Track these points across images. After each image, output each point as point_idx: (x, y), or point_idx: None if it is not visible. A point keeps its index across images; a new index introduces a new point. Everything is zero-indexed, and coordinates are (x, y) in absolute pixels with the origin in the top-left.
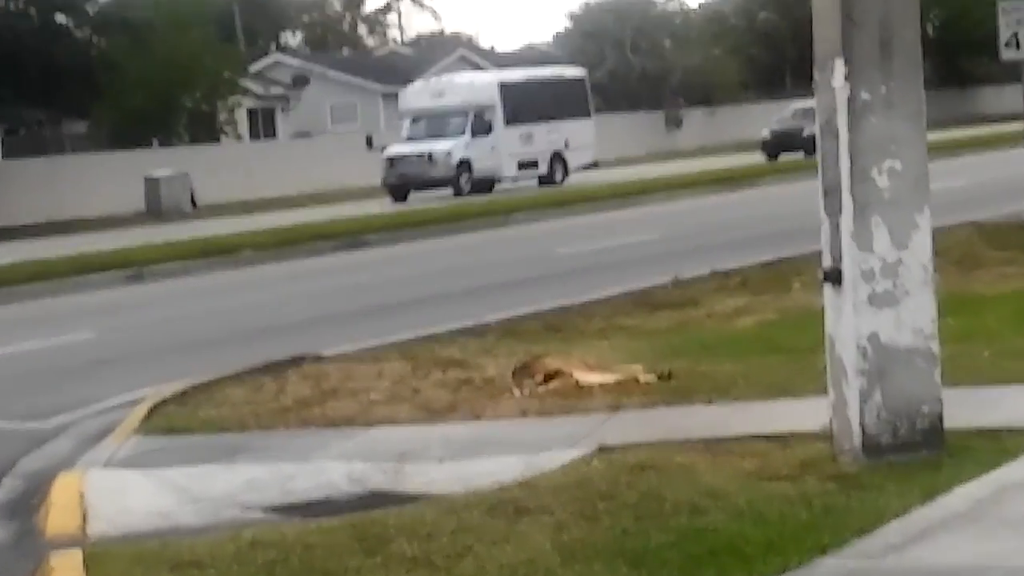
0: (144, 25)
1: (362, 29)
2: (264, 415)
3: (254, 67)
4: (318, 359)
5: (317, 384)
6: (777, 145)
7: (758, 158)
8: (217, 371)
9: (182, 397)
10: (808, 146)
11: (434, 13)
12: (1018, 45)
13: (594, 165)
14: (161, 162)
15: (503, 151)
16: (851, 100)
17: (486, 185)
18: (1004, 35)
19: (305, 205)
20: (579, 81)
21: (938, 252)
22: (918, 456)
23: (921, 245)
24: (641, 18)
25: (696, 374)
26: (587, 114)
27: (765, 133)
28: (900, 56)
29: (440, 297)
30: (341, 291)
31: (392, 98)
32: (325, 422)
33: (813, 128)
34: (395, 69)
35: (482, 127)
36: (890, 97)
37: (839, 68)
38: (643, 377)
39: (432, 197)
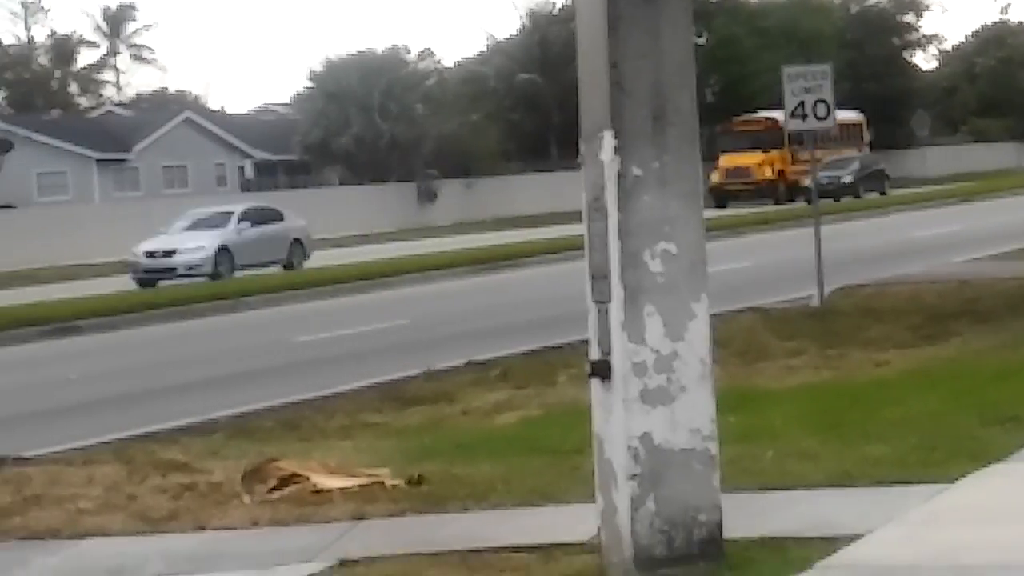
0: None
1: (74, 87)
2: None
3: None
4: (19, 461)
5: (18, 490)
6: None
7: (485, 239)
8: None
9: None
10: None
11: (161, 68)
12: (804, 115)
13: None
14: None
15: None
16: (621, 176)
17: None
18: (789, 104)
19: (8, 286)
20: None
21: (718, 342)
22: (695, 569)
23: (698, 336)
24: (390, 79)
25: (450, 478)
26: None
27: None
28: (675, 128)
29: (160, 391)
30: (47, 384)
31: (108, 164)
32: (27, 534)
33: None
34: (112, 132)
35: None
36: (664, 173)
37: (608, 141)
38: (390, 482)
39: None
